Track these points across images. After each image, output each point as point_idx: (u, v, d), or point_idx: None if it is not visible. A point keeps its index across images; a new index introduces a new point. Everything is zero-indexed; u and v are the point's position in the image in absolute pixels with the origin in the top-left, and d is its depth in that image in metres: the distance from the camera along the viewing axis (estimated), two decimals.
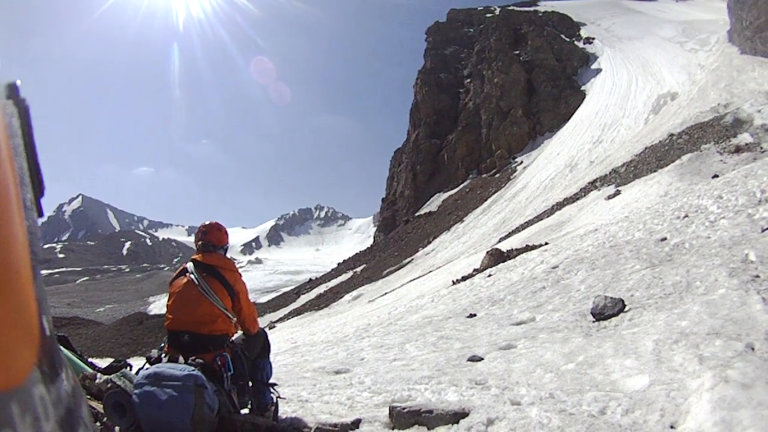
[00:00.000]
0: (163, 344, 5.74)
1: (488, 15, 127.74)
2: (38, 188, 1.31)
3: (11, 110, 1.21)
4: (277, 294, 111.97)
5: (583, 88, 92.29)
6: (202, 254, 6.05)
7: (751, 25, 59.68)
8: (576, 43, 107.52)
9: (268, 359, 6.60)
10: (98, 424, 4.78)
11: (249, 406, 6.09)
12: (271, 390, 6.36)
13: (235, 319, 5.97)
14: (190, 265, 5.93)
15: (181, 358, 5.26)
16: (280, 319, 59.16)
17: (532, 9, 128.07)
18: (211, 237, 6.28)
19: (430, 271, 47.52)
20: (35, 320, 1.14)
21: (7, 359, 0.99)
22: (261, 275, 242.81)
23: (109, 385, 5.13)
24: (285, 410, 6.67)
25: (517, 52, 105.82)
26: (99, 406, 5.01)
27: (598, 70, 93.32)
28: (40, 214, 1.35)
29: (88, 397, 5.32)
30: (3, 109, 1.15)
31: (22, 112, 1.25)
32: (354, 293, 59.16)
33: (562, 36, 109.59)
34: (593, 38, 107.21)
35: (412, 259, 68.27)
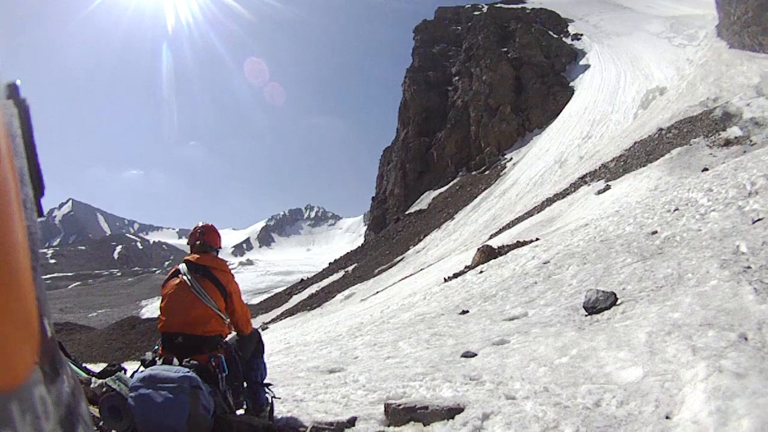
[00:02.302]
0: (157, 346, 5.73)
1: (476, 13, 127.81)
2: (38, 188, 1.31)
3: (11, 110, 1.21)
4: (269, 295, 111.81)
5: (571, 84, 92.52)
6: (197, 254, 6.05)
7: (739, 20, 59.90)
8: (564, 39, 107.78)
9: (262, 359, 6.60)
10: (95, 428, 4.74)
11: (244, 407, 6.08)
12: (266, 390, 6.34)
13: (228, 319, 5.96)
14: (182, 267, 5.90)
15: (175, 360, 5.22)
16: (273, 320, 59.16)
17: (519, 6, 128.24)
18: (209, 238, 6.31)
19: (422, 269, 47.62)
20: (36, 320, 1.13)
21: (7, 359, 0.98)
22: (252, 276, 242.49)
23: (104, 389, 5.10)
24: (280, 410, 6.66)
25: (505, 49, 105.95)
26: (95, 411, 4.98)
27: (587, 66, 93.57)
28: (40, 214, 1.36)
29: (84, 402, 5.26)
30: (3, 109, 1.15)
31: (22, 112, 1.25)
32: (346, 292, 59.22)
33: (550, 32, 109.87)
34: (581, 34, 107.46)
35: (403, 258, 68.34)
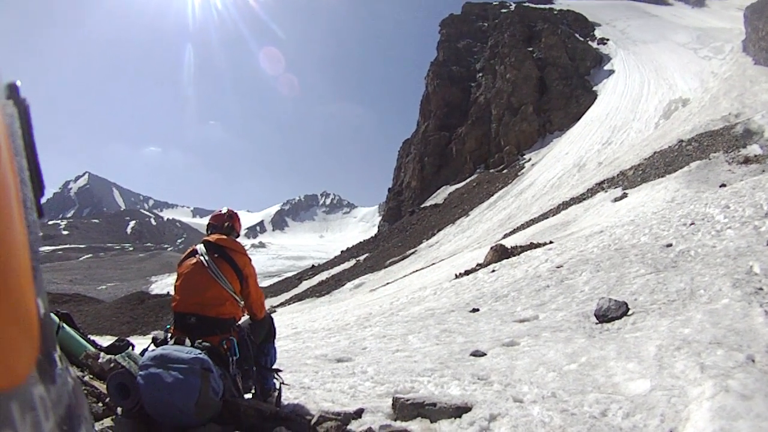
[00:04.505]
0: (168, 325, 5.70)
1: (503, 10, 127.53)
2: (38, 188, 1.31)
3: (11, 110, 1.21)
4: (279, 279, 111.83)
5: (595, 88, 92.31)
6: (217, 235, 6.09)
7: (767, 36, 59.47)
8: (590, 43, 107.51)
9: (273, 344, 6.61)
10: (100, 404, 4.75)
11: (252, 391, 6.05)
12: (275, 376, 6.34)
13: (242, 303, 5.97)
14: (200, 247, 5.90)
15: (187, 341, 5.22)
16: (281, 304, 59.28)
17: (547, 6, 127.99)
18: (235, 222, 6.45)
19: (433, 264, 47.50)
20: (35, 319, 1.13)
21: (7, 359, 0.99)
22: (264, 259, 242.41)
23: (112, 365, 5.12)
24: (287, 396, 6.65)
25: (531, 48, 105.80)
26: (101, 387, 4.98)
27: (611, 72, 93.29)
28: (41, 214, 1.34)
29: (90, 376, 5.30)
30: (3, 109, 1.16)
31: (22, 112, 1.25)
32: (356, 281, 59.30)
33: (577, 35, 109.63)
34: (607, 39, 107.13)
35: (416, 251, 68.37)
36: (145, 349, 5.18)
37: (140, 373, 4.59)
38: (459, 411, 5.22)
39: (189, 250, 6.05)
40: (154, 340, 5.43)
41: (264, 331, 6.44)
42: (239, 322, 5.99)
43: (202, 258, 5.74)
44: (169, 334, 5.52)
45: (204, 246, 5.92)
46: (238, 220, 6.56)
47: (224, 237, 6.08)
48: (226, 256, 5.83)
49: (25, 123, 1.26)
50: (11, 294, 1.03)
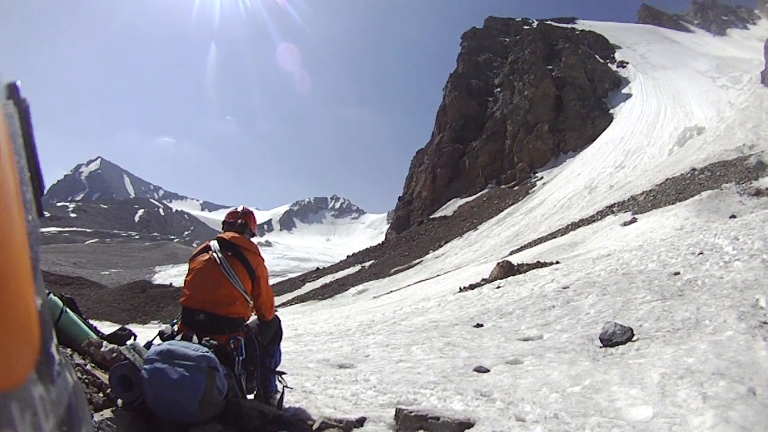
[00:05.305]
0: (175, 320, 5.67)
1: (525, 27, 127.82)
2: (38, 188, 1.32)
3: (11, 110, 1.22)
4: (283, 279, 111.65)
5: (611, 111, 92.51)
6: (232, 233, 6.04)
7: None
8: (609, 65, 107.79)
9: (279, 346, 6.57)
10: (101, 394, 4.76)
11: (255, 392, 5.95)
12: (279, 378, 6.32)
13: (252, 303, 5.92)
14: (214, 244, 5.85)
15: (195, 337, 5.15)
16: (283, 305, 59.22)
17: (569, 26, 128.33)
18: (249, 220, 6.41)
19: (438, 275, 47.41)
20: (35, 319, 1.14)
21: (7, 359, 0.99)
22: (269, 258, 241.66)
23: (114, 355, 5.16)
24: (288, 399, 6.59)
25: (550, 67, 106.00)
26: (103, 376, 4.97)
27: (629, 95, 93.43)
28: (40, 214, 1.35)
29: (92, 365, 5.27)
30: (3, 109, 1.16)
31: (22, 112, 1.26)
32: (359, 287, 59.17)
33: (597, 56, 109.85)
34: (627, 62, 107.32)
35: (421, 261, 68.19)
36: (150, 342, 5.22)
37: (145, 367, 4.57)
38: (462, 427, 5.21)
39: (202, 246, 5.98)
40: (161, 335, 5.41)
41: (271, 332, 6.40)
42: (248, 323, 5.97)
43: (215, 255, 5.70)
44: (176, 329, 5.50)
45: (218, 243, 5.87)
46: (253, 218, 6.53)
47: (239, 235, 6.04)
48: (240, 255, 5.79)
49: (25, 123, 1.28)
50: (11, 294, 1.04)
